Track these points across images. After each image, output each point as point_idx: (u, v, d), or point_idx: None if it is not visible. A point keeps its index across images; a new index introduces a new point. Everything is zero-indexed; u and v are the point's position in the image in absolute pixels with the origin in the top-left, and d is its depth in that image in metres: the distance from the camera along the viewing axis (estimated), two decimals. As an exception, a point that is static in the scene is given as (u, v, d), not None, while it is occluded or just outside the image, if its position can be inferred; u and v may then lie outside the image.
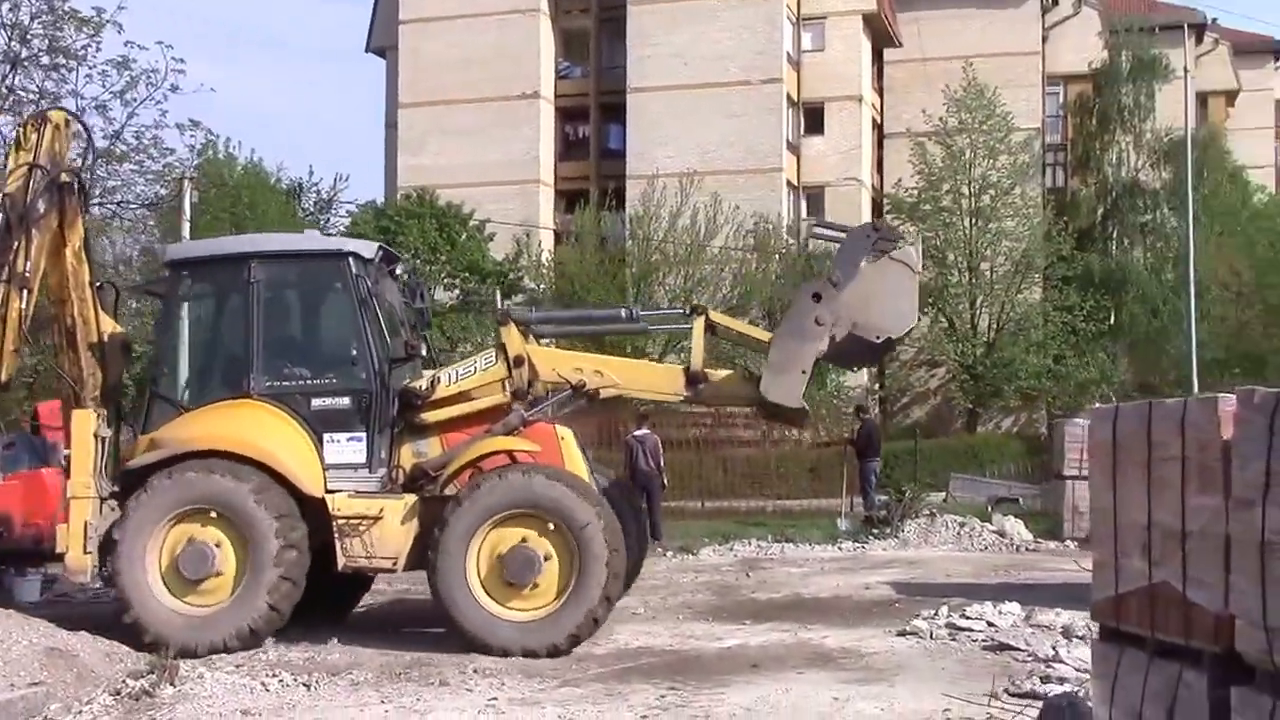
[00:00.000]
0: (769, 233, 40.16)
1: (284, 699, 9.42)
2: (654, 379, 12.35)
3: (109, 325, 12.57)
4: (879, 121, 49.02)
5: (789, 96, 44.90)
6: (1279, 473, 4.48)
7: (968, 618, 12.18)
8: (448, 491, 11.50)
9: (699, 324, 11.88)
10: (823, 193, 45.52)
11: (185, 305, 12.49)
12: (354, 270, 11.95)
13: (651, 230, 37.81)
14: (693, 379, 11.76)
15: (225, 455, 11.40)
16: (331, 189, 44.15)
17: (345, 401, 11.89)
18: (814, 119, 46.11)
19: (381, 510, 11.49)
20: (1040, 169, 47.12)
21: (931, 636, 11.71)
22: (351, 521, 11.49)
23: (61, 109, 12.54)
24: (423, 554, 11.33)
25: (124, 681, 9.63)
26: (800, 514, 26.01)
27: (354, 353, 11.98)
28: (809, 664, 10.59)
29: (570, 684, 9.92)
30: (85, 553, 11.57)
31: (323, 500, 11.55)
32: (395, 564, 11.60)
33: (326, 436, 11.76)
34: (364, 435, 11.78)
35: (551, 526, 11.01)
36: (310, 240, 13.18)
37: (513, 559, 11.02)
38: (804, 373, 11.29)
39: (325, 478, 11.60)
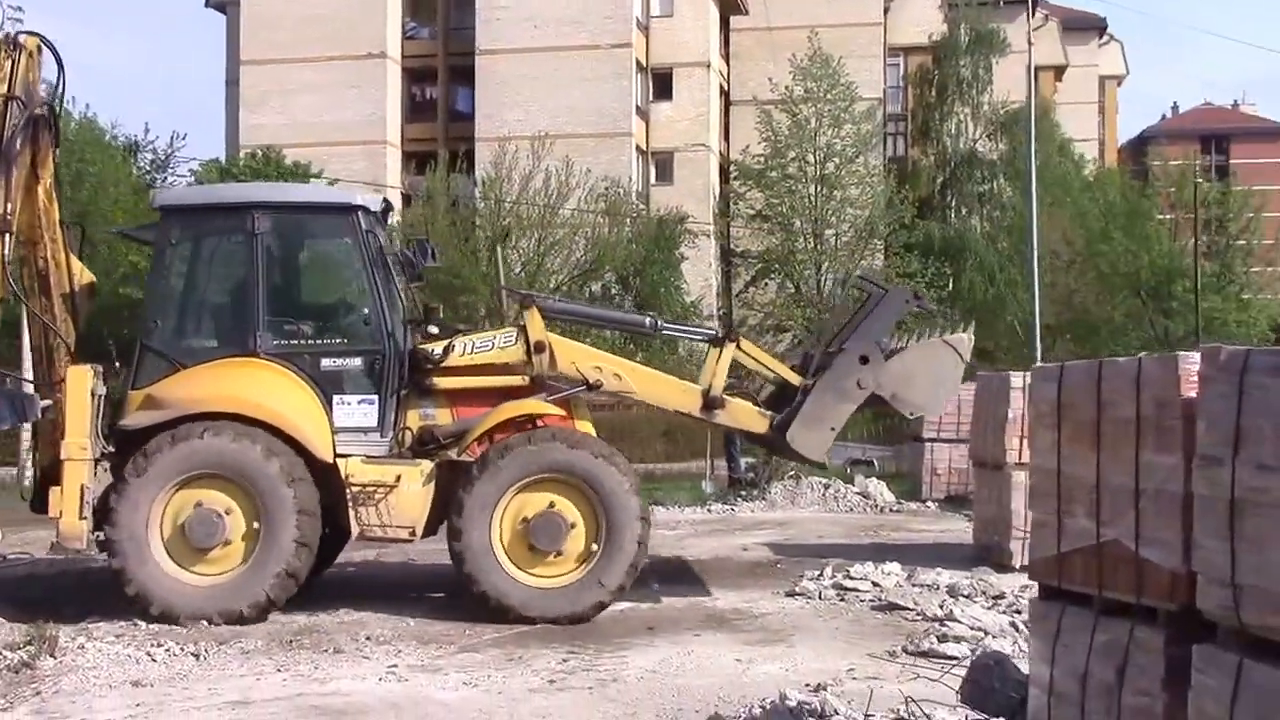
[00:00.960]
0: (620, 197, 40.11)
1: (174, 669, 9.08)
2: (671, 393, 11.85)
3: (77, 268, 11.73)
4: (726, 89, 49.29)
5: (638, 62, 44.88)
6: (1249, 430, 4.53)
7: (852, 578, 12.30)
8: (464, 457, 11.11)
9: (730, 349, 11.69)
10: (671, 158, 45.67)
11: (180, 255, 11.73)
12: (364, 224, 11.48)
13: (503, 193, 37.49)
14: (710, 402, 11.57)
15: (234, 417, 10.82)
16: (169, 147, 42.70)
17: (357, 362, 11.36)
18: (663, 85, 46.18)
19: (399, 477, 11.00)
20: (882, 139, 47.96)
21: (820, 597, 11.81)
22: (367, 488, 10.98)
23: (34, 33, 11.41)
24: (437, 522, 11.06)
25: (0, 654, 9.16)
26: (661, 478, 26.12)
27: (366, 312, 11.51)
28: (704, 626, 10.59)
29: (468, 650, 9.76)
30: (81, 518, 10.75)
31: (333, 465, 11.03)
32: (413, 533, 11.15)
33: (336, 399, 11.22)
34: (375, 398, 11.29)
35: (579, 493, 10.80)
36: (319, 191, 12.59)
37: (541, 524, 10.76)
38: (833, 429, 11.41)
39: (334, 442, 11.10)
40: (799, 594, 11.93)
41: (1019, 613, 10.56)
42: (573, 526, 10.80)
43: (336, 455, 11.00)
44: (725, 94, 49.09)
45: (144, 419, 10.90)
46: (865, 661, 9.33)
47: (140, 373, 11.26)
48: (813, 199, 43.16)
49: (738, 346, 11.73)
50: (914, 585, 12.10)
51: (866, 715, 7.32)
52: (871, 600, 11.64)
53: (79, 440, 10.77)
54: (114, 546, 10.66)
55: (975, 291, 45.62)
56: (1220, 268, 42.68)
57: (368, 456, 11.10)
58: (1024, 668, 6.85)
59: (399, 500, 10.93)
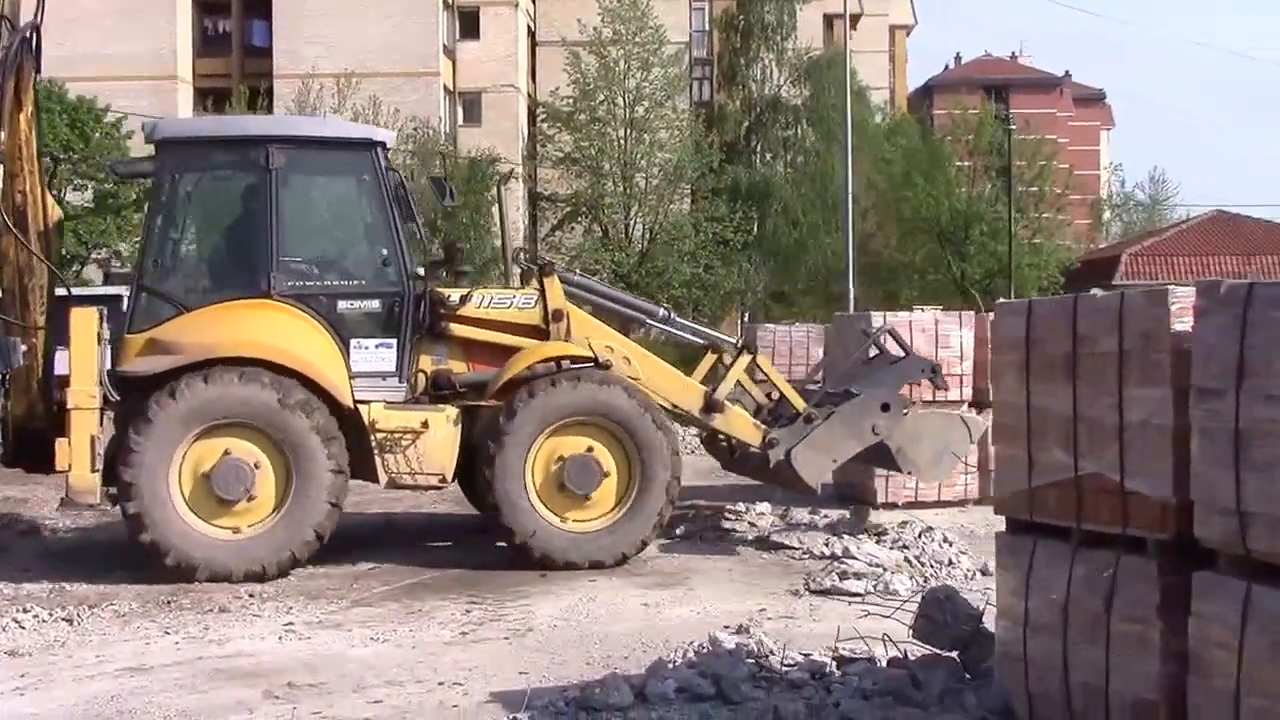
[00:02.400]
0: (429, 138, 39.39)
1: (48, 636, 8.51)
2: (675, 388, 11.44)
3: (50, 203, 10.81)
4: (533, 29, 48.73)
5: (443, -1, 44.07)
6: (1254, 362, 4.60)
7: (728, 519, 12.35)
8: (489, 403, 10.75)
9: (743, 360, 11.63)
10: (479, 99, 45.07)
11: (182, 191, 10.94)
12: (383, 162, 10.86)
13: (310, 134, 36.35)
14: (712, 405, 11.36)
15: (253, 362, 10.15)
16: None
17: (375, 305, 10.82)
18: (469, 23, 45.48)
19: (425, 422, 10.55)
20: (689, 83, 48.16)
21: (701, 539, 11.80)
22: (394, 435, 10.47)
23: None
24: (465, 468, 10.69)
25: None
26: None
27: (385, 252, 10.92)
28: (596, 572, 10.43)
29: (362, 604, 9.44)
30: (93, 471, 9.99)
31: (354, 412, 10.46)
32: (443, 479, 10.73)
33: (353, 342, 10.70)
34: (394, 342, 10.76)
35: (613, 436, 10.57)
36: (336, 125, 11.77)
37: (576, 467, 10.48)
38: (835, 461, 11.34)
39: (351, 387, 10.56)
40: (680, 537, 11.87)
41: (906, 547, 10.75)
42: (606, 473, 10.59)
43: (356, 402, 10.54)
44: (532, 34, 48.56)
45: (153, 365, 10.18)
46: (771, 601, 9.37)
47: (138, 315, 10.57)
48: (622, 142, 43.16)
49: (754, 359, 11.74)
50: (788, 525, 12.18)
51: (805, 654, 7.36)
52: (753, 540, 11.68)
53: (87, 387, 10.02)
54: (130, 492, 9.96)
55: (780, 236, 46.37)
56: (1016, 213, 44.10)
57: (388, 402, 10.65)
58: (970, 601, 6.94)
59: (427, 446, 10.53)
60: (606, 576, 10.30)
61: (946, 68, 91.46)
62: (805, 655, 7.33)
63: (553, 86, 45.05)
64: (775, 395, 12.03)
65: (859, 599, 9.42)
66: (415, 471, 10.55)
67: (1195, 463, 4.87)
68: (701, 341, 12.68)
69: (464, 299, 11.04)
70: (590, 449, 10.58)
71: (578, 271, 12.31)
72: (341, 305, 10.77)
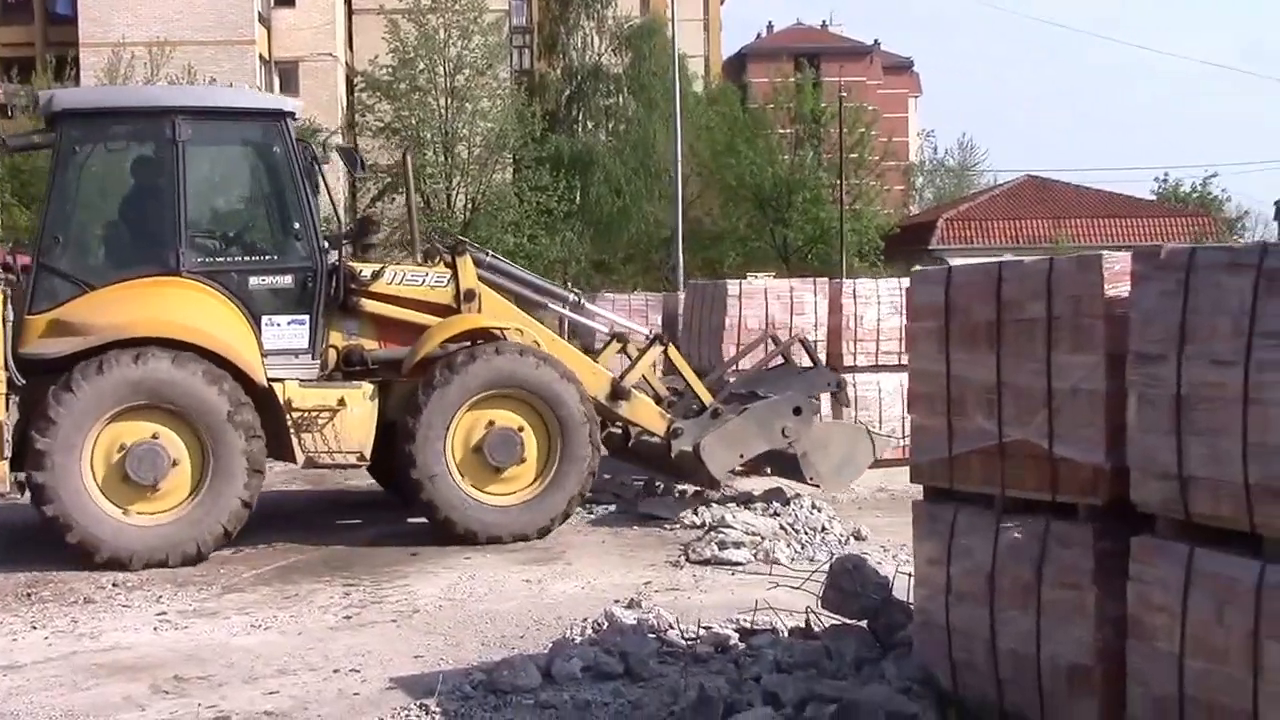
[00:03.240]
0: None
1: (-104, 636, 7.97)
2: (582, 373, 11.07)
3: None
4: (349, -4, 47.67)
5: (256, -36, 42.69)
6: (1197, 326, 4.64)
7: (593, 490, 12.17)
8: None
9: (656, 351, 11.61)
10: (297, 68, 43.84)
11: (84, 164, 10.31)
12: (293, 132, 10.36)
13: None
14: (618, 391, 11.19)
15: (165, 342, 9.69)
16: None
17: (287, 280, 10.38)
18: (284, -10, 44.16)
19: (342, 400, 10.25)
20: (509, 51, 47.66)
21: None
22: (311, 414, 10.12)
23: None
24: (383, 445, 10.34)
25: None
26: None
27: (297, 226, 10.45)
28: (468, 549, 10.21)
29: (234, 590, 9.07)
30: (1, 459, 9.38)
31: (269, 391, 10.03)
32: (362, 457, 10.46)
33: (266, 319, 10.28)
34: (306, 318, 10.35)
35: (532, 409, 10.41)
36: (245, 95, 11.09)
37: (497, 440, 10.30)
38: (742, 457, 11.22)
39: (264, 365, 10.13)
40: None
41: (778, 515, 10.77)
42: (526, 443, 10.46)
43: (270, 380, 10.17)
44: (349, 2, 47.43)
45: (60, 346, 9.71)
46: (654, 574, 9.30)
47: (38, 295, 9.99)
48: (443, 112, 42.47)
49: (665, 351, 11.68)
50: (652, 496, 12.10)
51: (705, 627, 7.29)
52: (621, 512, 11.58)
53: None
54: (45, 492, 9.50)
55: (602, 205, 46.32)
56: (839, 180, 44.77)
57: (302, 380, 10.29)
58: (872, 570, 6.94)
59: (345, 424, 10.29)
60: (481, 553, 10.09)
61: (759, 36, 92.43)
62: (706, 628, 7.26)
63: (371, 55, 44.02)
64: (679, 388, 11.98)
65: (741, 568, 9.44)
66: (334, 450, 10.34)
67: (1132, 428, 4.90)
68: (604, 330, 12.51)
69: (376, 275, 10.75)
70: (510, 422, 10.48)
71: (490, 254, 11.99)
72: (253, 281, 10.43)
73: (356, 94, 45.10)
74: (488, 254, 11.96)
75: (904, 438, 13.71)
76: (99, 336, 9.75)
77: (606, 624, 7.36)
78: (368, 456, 10.56)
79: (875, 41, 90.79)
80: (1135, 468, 4.89)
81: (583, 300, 12.44)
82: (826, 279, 15.37)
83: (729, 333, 13.71)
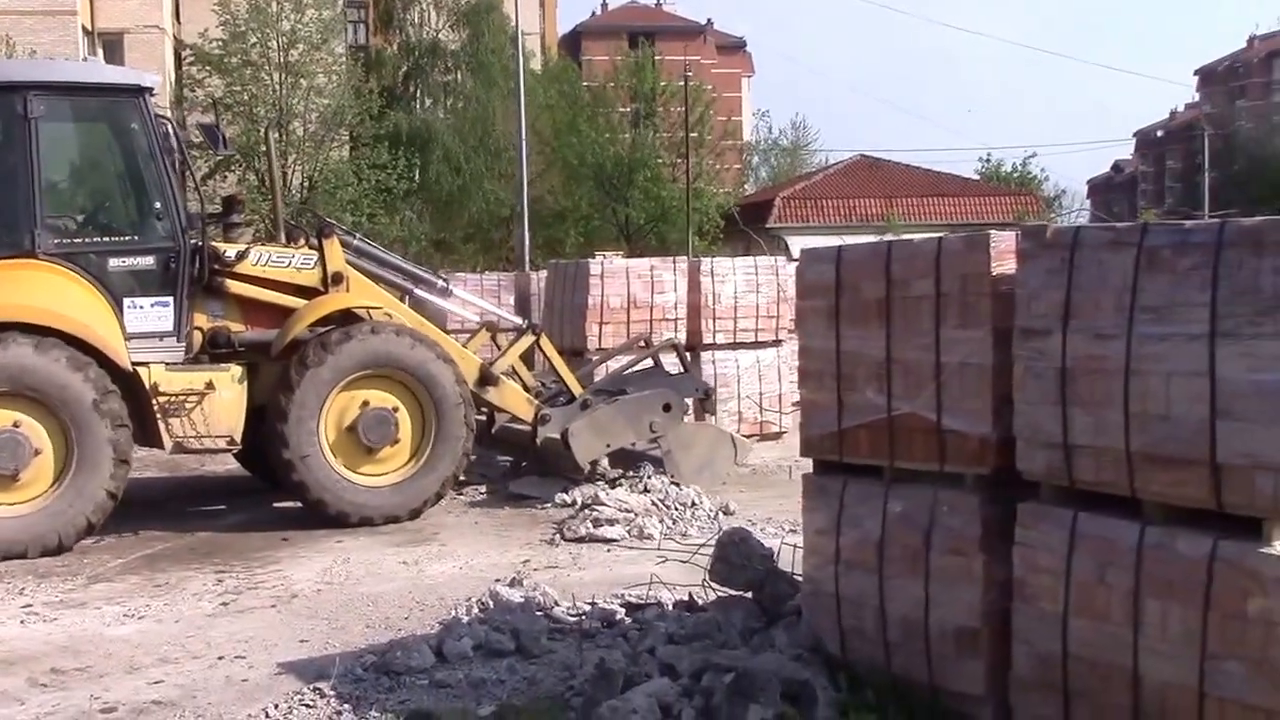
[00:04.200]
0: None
1: None
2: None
3: None
4: (177, -33, 46.30)
5: (77, -69, 41.16)
6: (1081, 302, 4.88)
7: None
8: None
9: (527, 340, 11.72)
10: (121, 40, 42.34)
11: None
12: (150, 108, 9.97)
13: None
14: (486, 377, 11.14)
15: (22, 327, 9.34)
16: None
17: (149, 261, 10.10)
18: (108, -42, 42.67)
19: (209, 383, 10.01)
20: (345, 26, 46.90)
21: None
22: (178, 398, 9.84)
23: None
24: (251, 428, 10.13)
25: None
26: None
27: (158, 205, 10.10)
28: (340, 532, 10.13)
29: (101, 580, 8.86)
30: None
31: (133, 375, 9.71)
32: (232, 440, 10.24)
33: (128, 302, 9.95)
34: (170, 300, 10.04)
35: (406, 388, 10.32)
36: (100, 70, 10.55)
37: (370, 420, 10.18)
38: (609, 446, 11.18)
39: (127, 349, 9.80)
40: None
41: (648, 491, 10.89)
42: (401, 422, 10.38)
43: (134, 364, 9.89)
44: (176, -28, 46.13)
45: None
46: (530, 552, 9.36)
47: None
48: (277, 87, 41.62)
49: (537, 340, 11.71)
50: (519, 476, 12.12)
51: (591, 603, 7.38)
52: (491, 493, 11.60)
53: None
54: None
55: (442, 183, 45.96)
56: (678, 159, 45.12)
57: (167, 364, 10.02)
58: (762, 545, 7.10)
59: (214, 408, 10.10)
60: (353, 536, 10.02)
61: (593, 14, 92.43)
62: (592, 604, 7.37)
63: (201, 28, 42.87)
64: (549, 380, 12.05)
65: (616, 544, 9.54)
66: (203, 434, 10.18)
67: (1018, 400, 5.12)
68: (475, 317, 12.50)
69: (241, 255, 10.57)
70: (385, 402, 10.42)
71: (357, 237, 11.84)
72: (112, 262, 10.18)
73: (185, 68, 43.95)
74: (355, 237, 11.85)
75: (765, 413, 14.05)
76: None
77: (492, 603, 7.40)
78: (238, 440, 10.40)
79: (708, 21, 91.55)
80: (1021, 438, 5.12)
81: (450, 286, 12.35)
82: (685, 258, 15.54)
83: (591, 312, 13.78)
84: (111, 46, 42.45)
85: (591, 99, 45.79)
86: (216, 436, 10.24)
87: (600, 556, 9.17)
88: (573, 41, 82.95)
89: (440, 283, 12.18)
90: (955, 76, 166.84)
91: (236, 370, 10.31)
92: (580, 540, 9.61)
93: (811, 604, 6.24)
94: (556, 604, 7.40)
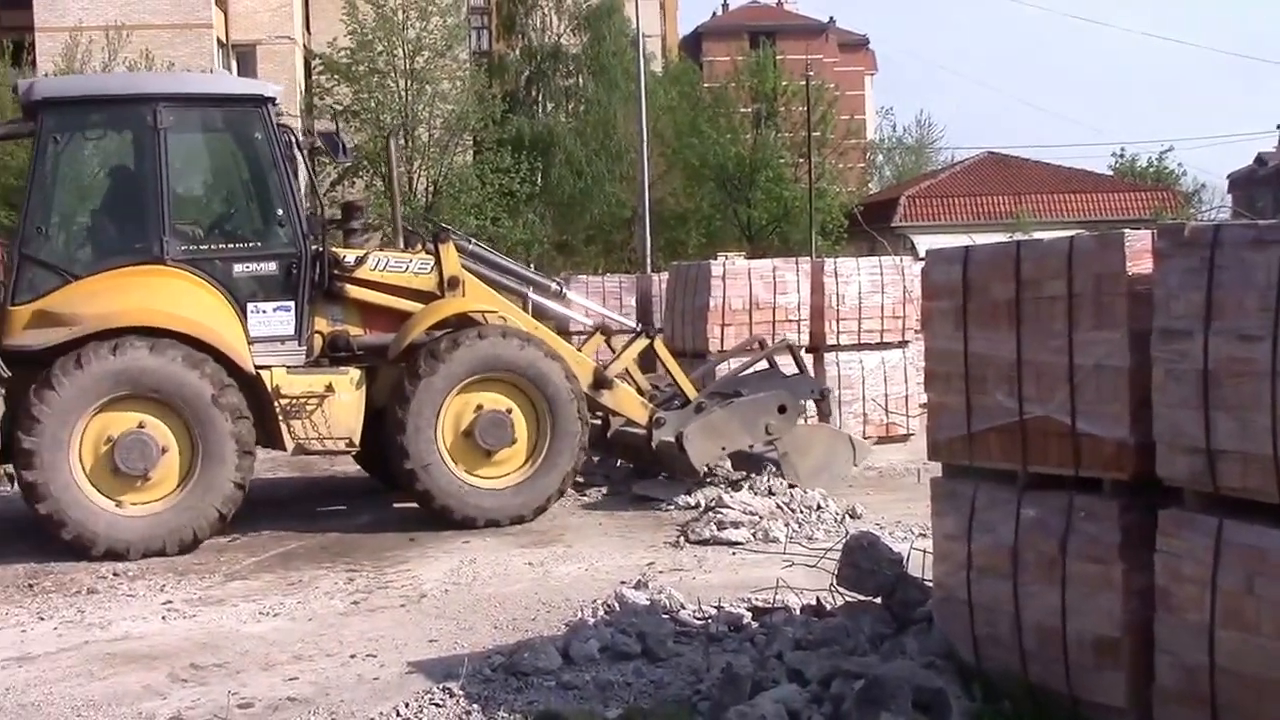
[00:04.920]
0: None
1: (-98, 629, 7.90)
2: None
3: None
4: (306, -22, 47.28)
5: (211, -53, 42.22)
6: (1224, 302, 4.73)
7: (582, 473, 12.20)
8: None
9: (641, 343, 11.68)
10: (254, 51, 43.43)
11: (65, 154, 10.23)
12: (274, 118, 10.31)
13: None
14: (600, 381, 11.20)
15: (149, 331, 9.63)
16: None
17: (271, 267, 10.33)
18: (239, -28, 43.71)
19: (330, 386, 10.20)
20: (468, 32, 47.47)
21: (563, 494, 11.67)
22: (299, 401, 10.07)
23: None
24: (370, 431, 10.33)
25: None
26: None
27: (280, 212, 10.38)
28: (467, 533, 10.22)
29: (237, 578, 9.05)
30: None
31: (256, 378, 10.00)
32: (351, 443, 10.42)
33: (251, 306, 10.22)
34: (292, 305, 10.30)
35: (519, 390, 10.44)
36: (225, 81, 11.00)
37: (486, 423, 10.31)
38: (724, 450, 11.22)
39: (251, 352, 10.10)
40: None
41: (773, 493, 10.83)
42: (517, 425, 10.46)
43: (257, 367, 10.13)
44: (305, -16, 47.09)
45: (47, 337, 9.66)
46: (655, 554, 9.36)
47: (20, 287, 9.93)
48: (402, 94, 42.26)
49: (651, 343, 11.71)
50: (643, 477, 12.13)
51: (717, 607, 7.35)
52: (614, 495, 11.63)
53: None
54: (37, 490, 9.47)
55: (564, 186, 46.29)
56: (800, 159, 44.90)
57: (289, 367, 10.25)
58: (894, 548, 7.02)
59: (334, 410, 10.26)
60: (480, 537, 10.11)
61: (714, 15, 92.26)
62: (718, 607, 7.33)
63: (329, 38, 43.72)
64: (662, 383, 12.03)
65: (740, 547, 9.50)
66: (323, 436, 10.30)
67: (1158, 403, 4.98)
68: (589, 321, 12.51)
69: (360, 261, 10.72)
70: (499, 405, 10.48)
71: (472, 242, 11.99)
72: (237, 268, 10.39)
73: (315, 77, 44.81)
74: (470, 242, 11.95)
75: (891, 415, 13.90)
76: (80, 328, 9.72)
77: (618, 605, 7.41)
78: (356, 442, 10.53)
79: (830, 19, 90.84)
80: (1161, 442, 4.97)
81: (565, 290, 12.38)
82: (808, 259, 15.44)
83: (713, 314, 13.76)
84: (245, 58, 43.54)
85: (712, 100, 45.78)
86: (336, 438, 10.37)
87: (725, 559, 9.14)
88: (693, 43, 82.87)
89: (555, 286, 12.22)
90: (1085, 70, 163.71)
91: (355, 374, 10.44)
92: (705, 543, 9.59)
93: (943, 610, 6.15)
94: (682, 607, 7.39)
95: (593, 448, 11.63)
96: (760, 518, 9.95)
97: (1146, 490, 5.10)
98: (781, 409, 11.22)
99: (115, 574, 9.12)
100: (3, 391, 9.72)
